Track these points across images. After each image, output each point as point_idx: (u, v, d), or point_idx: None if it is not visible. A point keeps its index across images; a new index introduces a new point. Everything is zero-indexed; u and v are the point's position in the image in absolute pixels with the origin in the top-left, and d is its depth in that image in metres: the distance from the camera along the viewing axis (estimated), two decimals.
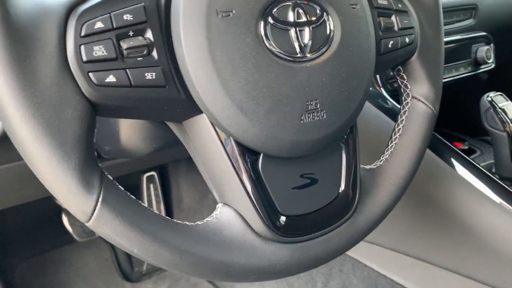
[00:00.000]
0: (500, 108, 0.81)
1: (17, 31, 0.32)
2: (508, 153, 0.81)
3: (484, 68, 1.04)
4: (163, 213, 0.40)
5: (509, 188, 0.74)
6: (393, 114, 0.79)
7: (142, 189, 1.37)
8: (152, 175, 1.38)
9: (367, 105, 0.80)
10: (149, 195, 1.38)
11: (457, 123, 1.09)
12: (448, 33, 0.99)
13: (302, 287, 1.12)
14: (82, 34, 0.35)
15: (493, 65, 1.04)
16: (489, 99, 0.82)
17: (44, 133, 0.33)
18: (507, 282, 0.78)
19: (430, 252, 0.88)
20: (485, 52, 1.00)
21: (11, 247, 1.26)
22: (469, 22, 1.03)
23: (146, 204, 1.41)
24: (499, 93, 0.84)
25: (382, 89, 0.81)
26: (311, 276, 1.10)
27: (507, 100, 0.83)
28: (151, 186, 1.39)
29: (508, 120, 0.80)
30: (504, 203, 0.73)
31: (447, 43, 0.97)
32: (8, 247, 1.25)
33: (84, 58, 0.34)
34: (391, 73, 0.85)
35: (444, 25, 0.98)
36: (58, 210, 1.25)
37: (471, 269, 0.81)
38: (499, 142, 0.82)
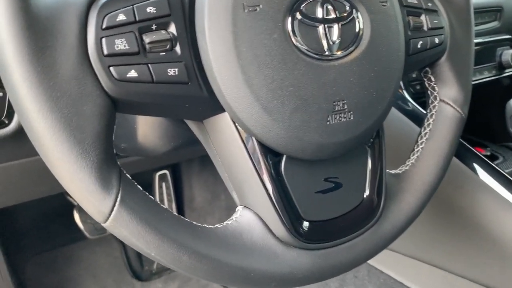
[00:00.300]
0: None
1: (36, 21, 0.31)
2: None
3: (508, 72, 1.00)
4: (174, 212, 0.39)
5: None
6: (416, 118, 0.77)
7: (154, 188, 1.36)
8: (165, 174, 1.37)
9: (395, 112, 0.78)
10: (161, 193, 1.37)
11: (479, 128, 1.06)
12: None
13: None
14: (104, 26, 0.33)
15: None
16: None
17: (62, 129, 0.32)
18: None
19: (450, 260, 0.86)
20: (510, 55, 0.97)
21: (22, 242, 1.26)
22: (494, 24, 1.01)
23: None
24: None
25: (404, 91, 0.78)
26: (324, 281, 1.08)
27: None
28: (163, 184, 1.38)
29: None
30: None
31: None
32: (20, 242, 1.25)
33: (105, 52, 0.33)
34: (414, 75, 0.84)
35: None
36: (70, 206, 1.25)
37: (493, 280, 0.79)
38: None
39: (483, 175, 0.76)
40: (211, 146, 0.42)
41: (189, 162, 1.37)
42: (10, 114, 0.58)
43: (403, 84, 0.79)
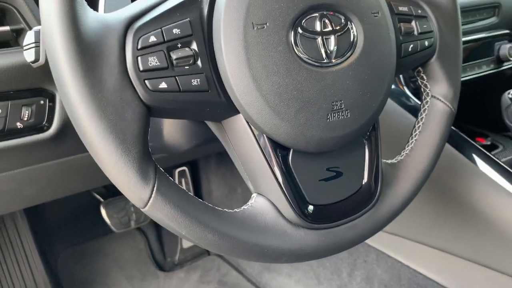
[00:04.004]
0: None
1: (86, 46, 0.38)
2: None
3: (507, 65, 1.05)
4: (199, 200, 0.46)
5: None
6: (415, 111, 0.83)
7: None
8: (184, 170, 1.45)
9: (390, 102, 0.84)
10: None
11: (480, 119, 1.11)
12: (471, 32, 1.01)
13: (328, 277, 1.16)
14: (139, 47, 0.40)
15: None
16: (510, 96, 0.85)
17: (109, 132, 0.39)
18: None
19: (451, 243, 0.91)
20: (508, 49, 1.02)
21: (54, 237, 1.34)
22: (492, 20, 1.05)
23: None
24: None
25: (405, 87, 0.84)
26: (336, 266, 1.14)
27: None
28: (183, 180, 1.45)
29: None
30: None
31: (470, 41, 1.00)
32: (52, 237, 1.34)
33: (141, 68, 0.40)
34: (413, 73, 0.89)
35: (468, 23, 1.01)
36: (96, 203, 1.33)
37: (491, 260, 0.84)
38: None
39: (481, 164, 0.81)
40: (228, 142, 0.49)
41: (206, 158, 1.45)
42: (50, 120, 0.66)
43: (403, 81, 0.85)
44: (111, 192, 1.35)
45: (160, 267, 1.43)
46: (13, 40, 0.64)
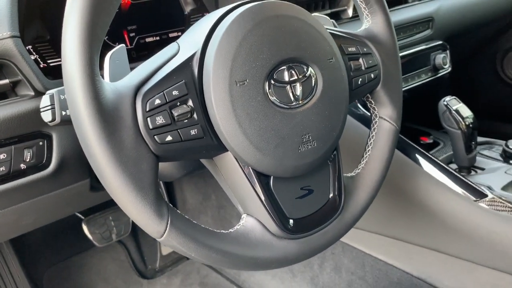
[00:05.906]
0: (454, 110, 0.98)
1: (106, 114, 0.47)
2: (463, 147, 0.98)
3: (442, 73, 1.20)
4: (203, 225, 0.55)
5: (463, 178, 0.91)
6: (365, 121, 0.95)
7: None
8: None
9: (349, 118, 0.96)
10: None
11: (423, 120, 1.26)
12: (410, 45, 1.15)
13: (301, 270, 1.28)
14: (147, 109, 0.49)
15: (449, 69, 1.21)
16: (445, 103, 0.99)
17: (130, 182, 0.48)
18: (466, 252, 0.94)
19: (405, 233, 1.03)
20: (442, 58, 1.17)
21: (38, 256, 1.39)
22: (427, 32, 1.19)
23: None
24: (454, 97, 1.00)
25: (358, 104, 0.97)
26: (308, 260, 1.25)
27: (460, 103, 0.99)
28: None
29: (461, 120, 0.97)
30: (461, 189, 0.90)
31: (409, 54, 1.14)
32: (35, 256, 1.38)
33: (150, 126, 0.49)
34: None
35: (406, 37, 1.15)
36: (77, 220, 1.39)
37: (438, 244, 0.97)
38: (455, 138, 0.98)
39: (424, 164, 0.94)
40: (219, 174, 0.59)
41: None
42: (49, 158, 0.73)
43: (357, 100, 0.97)
44: (91, 209, 1.41)
45: (142, 275, 1.50)
46: (10, 91, 0.71)
